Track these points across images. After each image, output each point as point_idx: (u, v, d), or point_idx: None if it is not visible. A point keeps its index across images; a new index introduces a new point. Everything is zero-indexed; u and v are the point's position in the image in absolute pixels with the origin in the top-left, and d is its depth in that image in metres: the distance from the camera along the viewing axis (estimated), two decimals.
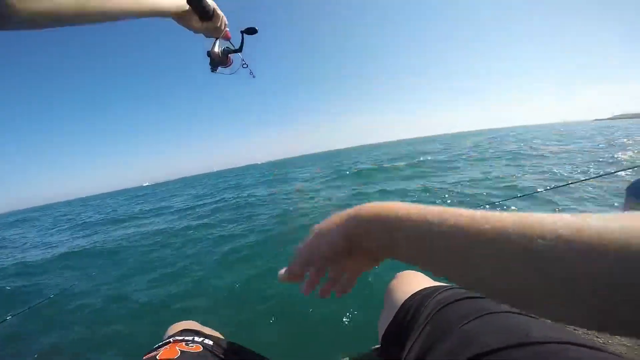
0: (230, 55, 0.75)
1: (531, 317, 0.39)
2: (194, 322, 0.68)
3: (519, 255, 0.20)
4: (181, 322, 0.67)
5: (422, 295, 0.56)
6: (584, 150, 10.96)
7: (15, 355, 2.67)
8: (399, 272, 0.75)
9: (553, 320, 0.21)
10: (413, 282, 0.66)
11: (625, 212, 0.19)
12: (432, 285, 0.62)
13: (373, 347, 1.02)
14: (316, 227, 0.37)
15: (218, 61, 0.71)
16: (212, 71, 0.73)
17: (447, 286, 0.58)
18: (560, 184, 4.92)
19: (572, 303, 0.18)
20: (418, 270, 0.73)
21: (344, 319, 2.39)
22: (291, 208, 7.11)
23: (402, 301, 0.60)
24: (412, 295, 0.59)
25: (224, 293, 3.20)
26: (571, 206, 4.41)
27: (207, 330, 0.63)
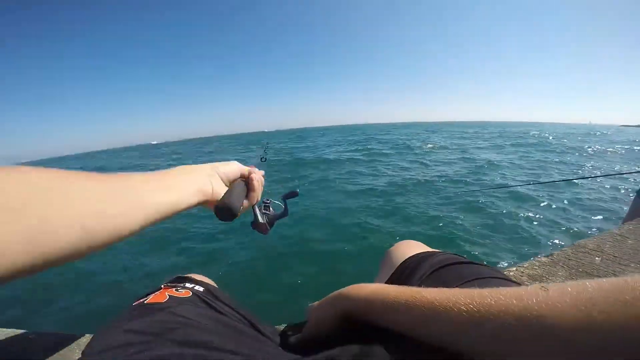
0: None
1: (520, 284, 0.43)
2: (201, 275, 0.68)
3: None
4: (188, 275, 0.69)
5: (419, 258, 0.59)
6: None
7: None
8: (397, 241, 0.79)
9: None
10: (410, 248, 0.69)
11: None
12: (428, 250, 0.65)
13: None
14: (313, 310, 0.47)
15: (263, 229, 0.64)
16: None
17: (444, 251, 0.61)
18: None
19: None
20: (417, 240, 0.77)
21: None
22: None
23: (399, 263, 0.63)
24: (408, 257, 0.62)
25: None
26: None
27: (200, 278, 0.64)
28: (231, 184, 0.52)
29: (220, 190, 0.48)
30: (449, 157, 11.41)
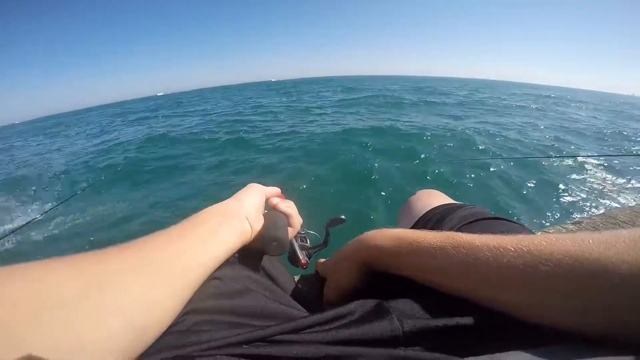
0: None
1: None
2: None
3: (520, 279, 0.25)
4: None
5: (445, 209, 0.56)
6: None
7: None
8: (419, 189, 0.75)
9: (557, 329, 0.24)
10: (433, 198, 0.66)
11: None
12: (452, 202, 0.62)
13: None
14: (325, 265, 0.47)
15: (303, 264, 0.55)
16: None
17: (470, 205, 0.58)
18: None
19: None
20: (438, 190, 0.73)
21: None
22: None
23: (422, 213, 0.60)
24: (432, 208, 0.59)
25: None
26: None
27: None
28: (266, 215, 0.47)
29: (258, 224, 0.43)
30: None
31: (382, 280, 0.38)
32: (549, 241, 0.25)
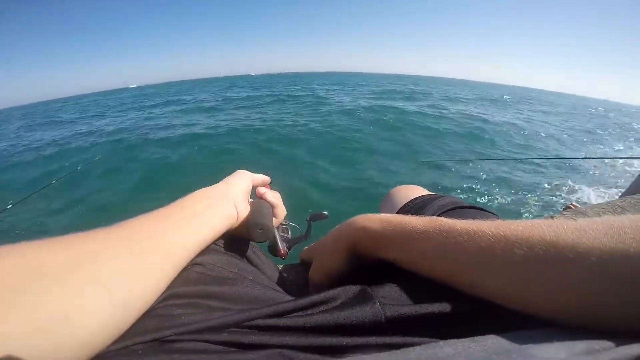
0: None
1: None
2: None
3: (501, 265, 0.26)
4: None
5: (423, 200, 0.58)
6: None
7: None
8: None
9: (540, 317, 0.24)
10: (412, 191, 0.69)
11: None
12: (431, 193, 0.64)
13: None
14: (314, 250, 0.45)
15: (282, 254, 0.56)
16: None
17: (448, 195, 0.60)
18: None
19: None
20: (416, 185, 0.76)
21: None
22: None
23: (400, 205, 0.62)
24: (412, 199, 0.61)
25: None
26: None
27: None
28: (252, 203, 0.48)
29: (244, 210, 0.44)
30: None
31: (368, 266, 0.38)
32: (525, 226, 0.26)
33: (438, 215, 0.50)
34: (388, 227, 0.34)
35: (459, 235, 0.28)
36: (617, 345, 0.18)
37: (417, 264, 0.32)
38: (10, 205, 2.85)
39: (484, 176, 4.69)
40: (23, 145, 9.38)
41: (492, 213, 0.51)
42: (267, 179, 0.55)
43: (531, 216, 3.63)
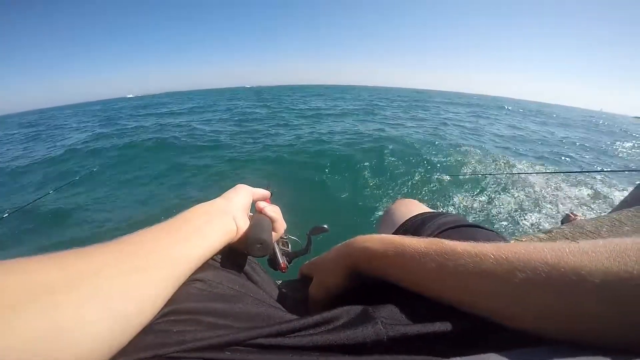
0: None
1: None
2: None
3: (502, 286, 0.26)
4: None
5: (423, 218, 0.58)
6: None
7: None
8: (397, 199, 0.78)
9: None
10: (412, 207, 0.69)
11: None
12: (431, 210, 0.64)
13: None
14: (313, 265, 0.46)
15: (282, 268, 0.58)
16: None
17: (448, 213, 0.61)
18: None
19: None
20: (416, 199, 0.76)
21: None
22: None
23: (400, 222, 0.62)
24: (412, 216, 0.61)
25: None
26: None
27: None
28: (252, 217, 0.49)
29: (244, 225, 0.44)
30: None
31: (369, 287, 0.39)
32: (527, 249, 0.26)
33: (439, 234, 0.51)
34: (389, 247, 0.35)
35: (460, 258, 0.29)
36: None
37: (418, 284, 0.32)
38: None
39: None
40: None
41: (492, 231, 0.51)
42: (267, 193, 0.56)
43: (530, 231, 3.65)
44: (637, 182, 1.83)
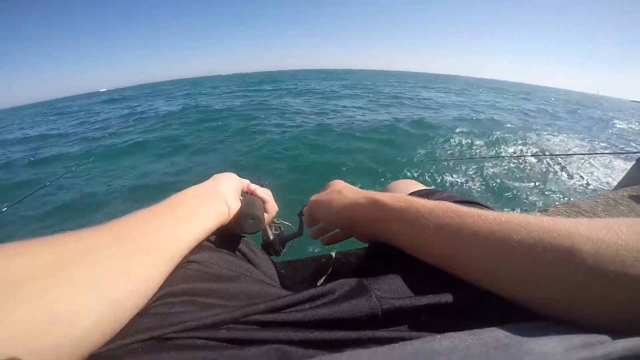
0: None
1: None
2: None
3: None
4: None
5: (422, 194, 0.59)
6: None
7: None
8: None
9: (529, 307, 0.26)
10: (410, 186, 0.70)
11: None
12: (427, 187, 0.66)
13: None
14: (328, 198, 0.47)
15: (276, 250, 0.61)
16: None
17: (443, 190, 0.62)
18: None
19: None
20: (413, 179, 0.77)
21: None
22: None
23: None
24: (410, 194, 0.62)
25: None
26: None
27: None
28: (243, 199, 0.51)
29: (235, 207, 0.46)
30: None
31: (370, 256, 0.40)
32: (526, 216, 0.28)
33: None
34: (398, 201, 0.37)
35: (466, 217, 0.30)
36: (613, 339, 0.19)
37: (419, 239, 0.33)
38: None
39: None
40: None
41: (490, 208, 0.52)
42: (256, 185, 0.57)
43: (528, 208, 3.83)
44: (634, 162, 1.89)
